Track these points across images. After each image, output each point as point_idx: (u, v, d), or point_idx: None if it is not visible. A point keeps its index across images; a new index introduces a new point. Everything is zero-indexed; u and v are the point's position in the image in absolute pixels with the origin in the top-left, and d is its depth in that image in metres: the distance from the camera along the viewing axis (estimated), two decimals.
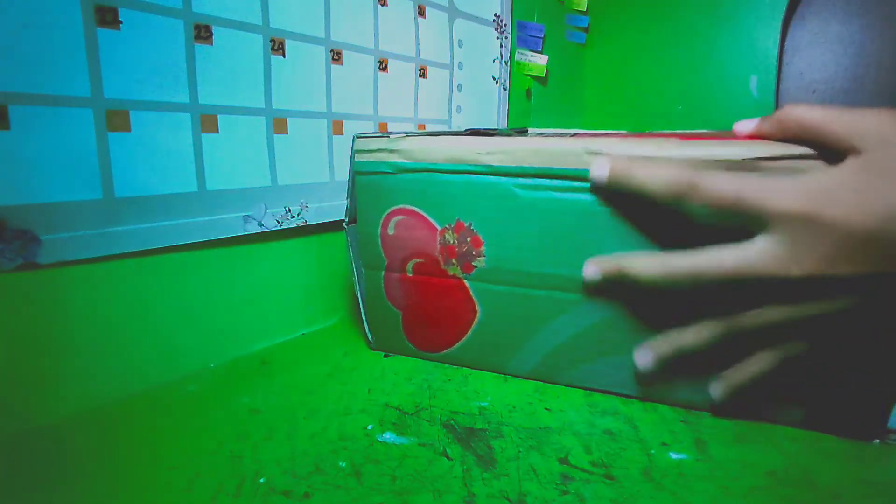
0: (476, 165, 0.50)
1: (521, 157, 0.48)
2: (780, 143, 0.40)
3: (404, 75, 0.75)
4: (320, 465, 0.39)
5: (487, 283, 0.52)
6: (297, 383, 0.52)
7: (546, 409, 0.47)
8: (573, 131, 0.57)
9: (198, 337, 0.55)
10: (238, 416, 0.46)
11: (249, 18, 0.55)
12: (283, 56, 0.58)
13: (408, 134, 0.54)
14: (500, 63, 0.95)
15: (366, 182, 0.55)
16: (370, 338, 0.61)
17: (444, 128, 0.84)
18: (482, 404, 0.48)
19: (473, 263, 0.52)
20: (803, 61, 0.97)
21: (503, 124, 0.98)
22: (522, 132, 0.59)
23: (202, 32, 0.51)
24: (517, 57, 0.99)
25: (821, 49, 0.96)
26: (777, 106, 0.98)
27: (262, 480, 0.37)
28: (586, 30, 1.17)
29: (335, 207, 0.66)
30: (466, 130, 0.57)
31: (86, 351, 0.47)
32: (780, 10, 0.96)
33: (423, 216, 0.53)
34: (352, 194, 0.57)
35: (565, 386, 0.52)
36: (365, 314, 0.61)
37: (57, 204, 0.43)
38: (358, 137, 0.55)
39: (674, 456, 0.40)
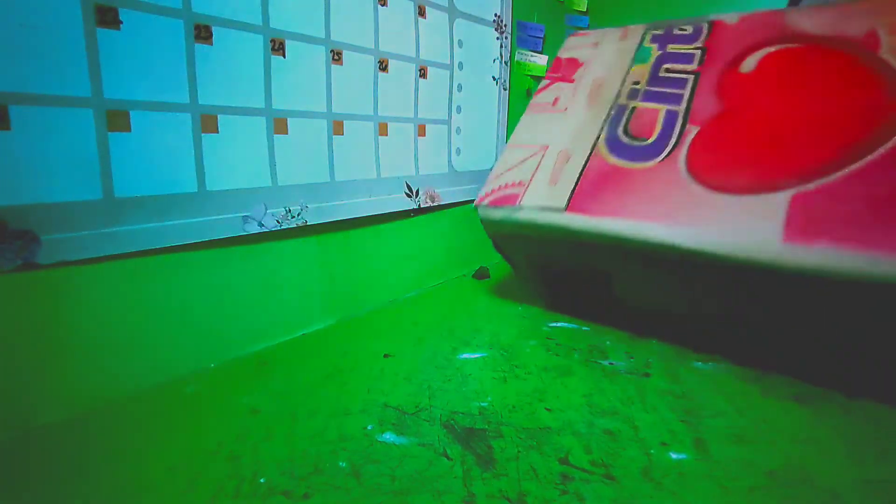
0: None
1: None
2: None
3: (404, 75, 0.75)
4: (320, 466, 0.39)
5: None
6: (296, 383, 0.52)
7: (546, 409, 0.47)
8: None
9: (198, 337, 0.55)
10: (238, 416, 0.46)
11: (249, 18, 0.55)
12: (283, 56, 0.58)
13: None
14: (500, 63, 0.95)
15: None
16: None
17: (444, 127, 0.84)
18: (482, 404, 0.48)
19: None
20: None
21: (503, 124, 0.98)
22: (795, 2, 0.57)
23: (202, 32, 0.51)
24: (517, 57, 0.99)
25: None
26: None
27: (261, 481, 0.37)
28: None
29: (335, 207, 0.66)
30: None
31: (86, 351, 0.47)
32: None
33: None
34: None
35: None
36: None
37: (57, 204, 0.43)
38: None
39: (674, 456, 0.40)
